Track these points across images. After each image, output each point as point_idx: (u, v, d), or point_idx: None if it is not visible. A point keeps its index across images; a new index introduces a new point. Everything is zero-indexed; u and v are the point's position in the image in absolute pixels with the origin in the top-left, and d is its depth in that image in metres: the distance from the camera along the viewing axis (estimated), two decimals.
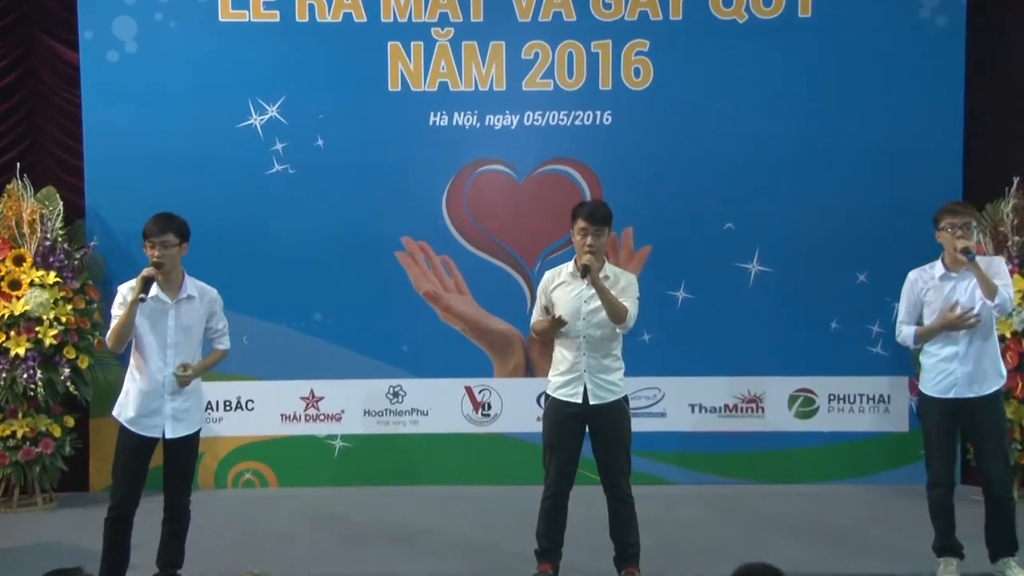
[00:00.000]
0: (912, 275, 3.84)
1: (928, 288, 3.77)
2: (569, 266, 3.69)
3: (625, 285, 3.61)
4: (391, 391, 5.28)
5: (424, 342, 5.24)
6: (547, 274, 3.77)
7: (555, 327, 3.51)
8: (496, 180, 5.28)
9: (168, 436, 3.56)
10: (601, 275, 3.54)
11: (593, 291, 3.53)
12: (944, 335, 3.72)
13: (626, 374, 3.76)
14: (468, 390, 5.30)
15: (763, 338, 5.22)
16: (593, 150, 5.21)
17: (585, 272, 3.44)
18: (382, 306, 5.21)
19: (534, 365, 5.28)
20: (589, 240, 3.51)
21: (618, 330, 3.58)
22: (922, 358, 3.86)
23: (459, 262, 5.27)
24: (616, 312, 3.49)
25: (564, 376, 3.66)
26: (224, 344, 3.78)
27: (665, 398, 5.28)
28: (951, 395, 3.73)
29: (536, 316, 3.79)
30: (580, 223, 3.54)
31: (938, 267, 3.78)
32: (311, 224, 5.18)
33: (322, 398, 5.27)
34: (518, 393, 5.26)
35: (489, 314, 5.27)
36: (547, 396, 3.76)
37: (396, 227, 5.23)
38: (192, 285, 3.65)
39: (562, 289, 3.67)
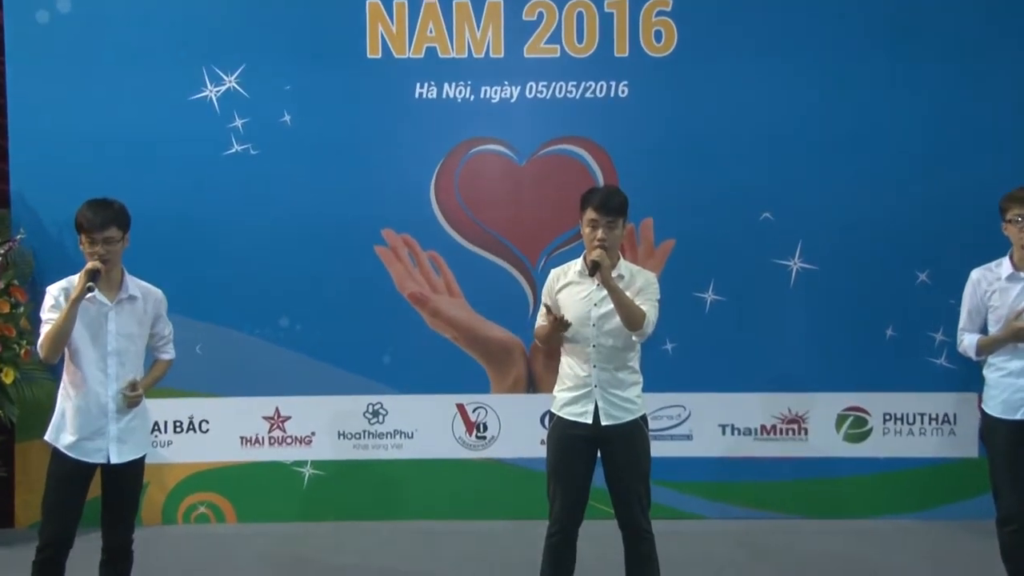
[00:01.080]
0: (975, 275, 3.83)
1: (993, 290, 3.74)
2: (578, 263, 3.70)
3: (643, 285, 3.62)
4: (370, 409, 5.29)
5: (409, 352, 5.23)
6: (552, 273, 3.77)
7: (558, 329, 3.51)
8: (493, 163, 5.26)
9: (114, 461, 3.54)
10: (615, 274, 3.54)
11: (605, 293, 3.54)
12: (1012, 346, 3.70)
13: (645, 389, 3.77)
14: (460, 408, 5.30)
15: (806, 347, 5.24)
16: (607, 127, 5.20)
17: (595, 270, 3.45)
18: (359, 310, 5.20)
19: (538, 379, 5.26)
20: (600, 233, 3.52)
21: (634, 338, 3.59)
22: (985, 372, 3.85)
23: (450, 259, 5.25)
24: (632, 317, 3.49)
25: (572, 392, 3.67)
26: (170, 353, 3.79)
27: (691, 418, 5.28)
28: (1020, 416, 3.71)
29: (540, 322, 3.80)
30: (590, 213, 3.55)
31: (1005, 265, 3.75)
32: (276, 214, 5.17)
33: (289, 418, 5.27)
34: (519, 412, 5.25)
35: (485, 320, 5.26)
36: (552, 415, 3.76)
37: (376, 217, 5.21)
38: (134, 284, 3.64)
39: (569, 290, 3.68)
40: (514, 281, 5.29)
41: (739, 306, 5.23)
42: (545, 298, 3.76)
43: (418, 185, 5.23)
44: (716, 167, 5.18)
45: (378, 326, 5.21)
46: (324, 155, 5.18)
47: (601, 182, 5.12)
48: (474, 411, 5.30)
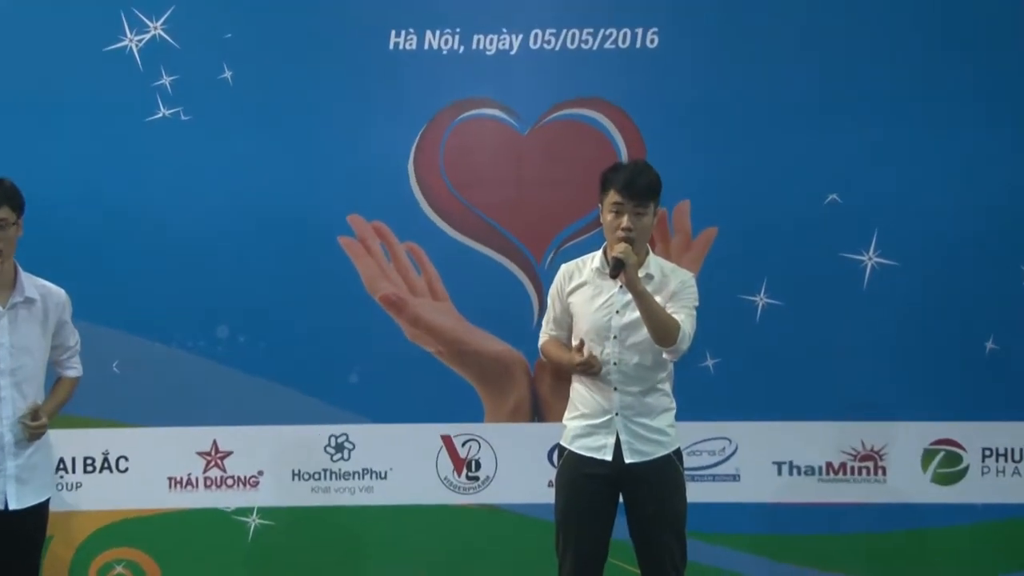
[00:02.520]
0: None
1: None
2: (595, 258, 3.74)
3: (677, 288, 3.65)
4: (333, 443, 5.30)
5: (382, 370, 5.24)
6: (563, 269, 3.83)
7: (581, 368, 3.58)
8: (488, 131, 5.27)
9: (12, 506, 3.55)
10: (642, 273, 3.57)
11: (629, 297, 3.57)
12: None
13: (679, 417, 3.82)
14: (447, 441, 5.33)
15: (884, 364, 5.24)
16: (631, 87, 5.20)
17: (618, 269, 3.48)
18: (319, 317, 5.21)
19: (544, 405, 5.28)
20: (626, 221, 3.55)
21: (665, 355, 3.64)
22: None
23: (433, 252, 5.27)
24: (663, 330, 3.53)
25: (587, 421, 3.72)
26: (76, 369, 3.81)
27: (738, 453, 5.31)
28: None
29: (547, 331, 3.88)
30: (613, 196, 3.58)
31: None
32: (212, 196, 5.19)
33: (230, 453, 5.29)
34: (520, 446, 5.27)
35: (477, 329, 5.27)
36: (562, 450, 3.81)
37: (340, 200, 5.21)
38: (31, 284, 3.65)
39: (584, 293, 3.73)
40: (514, 281, 5.30)
41: (798, 312, 5.24)
42: (553, 302, 3.83)
43: (393, 160, 5.22)
44: (770, 136, 5.19)
45: (343, 337, 5.22)
46: (274, 122, 5.19)
47: (625, 156, 5.10)
48: (464, 444, 5.32)
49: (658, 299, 3.58)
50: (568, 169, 5.19)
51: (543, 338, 3.93)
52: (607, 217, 3.61)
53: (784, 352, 5.25)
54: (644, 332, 3.57)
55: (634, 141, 5.22)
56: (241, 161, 5.19)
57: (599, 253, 3.74)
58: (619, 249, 3.47)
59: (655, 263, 3.71)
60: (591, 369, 3.58)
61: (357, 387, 5.27)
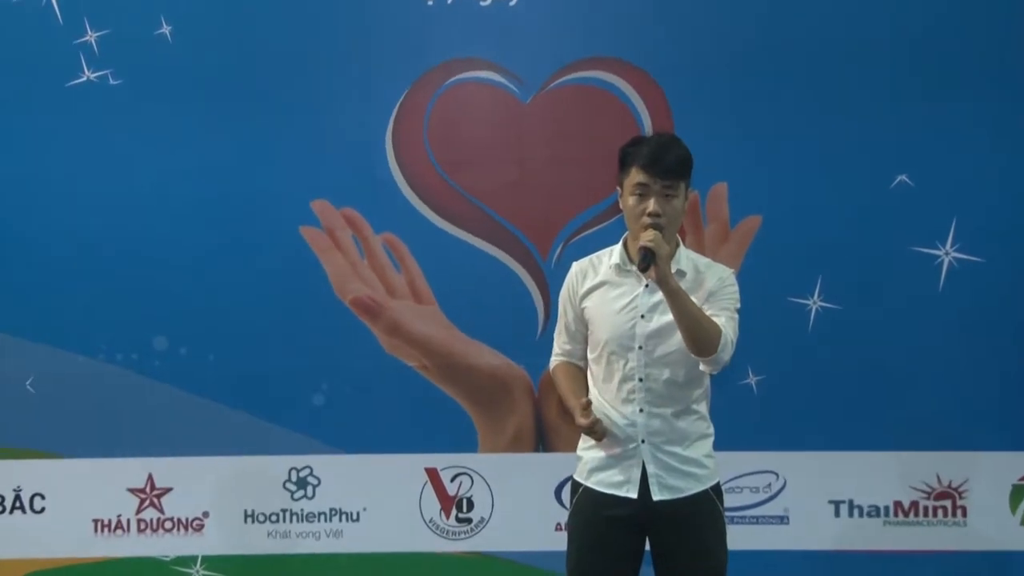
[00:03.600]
0: None
1: None
2: (614, 253, 3.71)
3: (714, 287, 3.63)
4: (294, 477, 5.27)
5: (353, 389, 5.24)
6: (575, 268, 3.79)
7: (585, 423, 3.56)
8: (483, 98, 5.25)
9: None
10: (672, 269, 3.53)
11: (657, 298, 3.55)
12: None
13: (717, 446, 3.77)
14: (432, 475, 5.29)
15: (965, 382, 5.20)
16: (656, 44, 5.19)
17: (648, 261, 3.42)
18: (277, 325, 5.21)
19: (551, 430, 5.25)
20: (652, 205, 3.52)
21: (703, 367, 3.61)
22: None
23: (416, 245, 5.25)
24: (702, 334, 3.49)
25: (607, 450, 3.68)
26: None
27: (787, 490, 5.26)
28: None
29: (559, 350, 3.85)
30: (636, 175, 3.55)
31: None
32: (148, 178, 5.18)
33: (169, 490, 5.26)
34: (522, 481, 5.25)
35: (470, 339, 5.25)
36: (576, 486, 3.77)
37: (303, 183, 5.21)
38: None
39: (603, 295, 3.71)
40: (515, 280, 5.28)
41: (860, 318, 5.19)
42: (565, 307, 3.79)
43: (367, 134, 5.22)
44: (824, 104, 5.17)
45: (306, 349, 5.22)
46: (222, 87, 5.19)
47: (649, 129, 5.09)
48: (453, 479, 5.29)
49: (694, 299, 3.58)
50: (580, 145, 5.18)
51: (553, 361, 3.91)
52: (628, 201, 3.59)
53: (842, 367, 5.22)
54: (676, 340, 3.55)
55: (660, 111, 5.21)
56: (182, 135, 5.18)
57: (618, 247, 3.70)
58: (647, 237, 3.42)
59: (687, 257, 3.68)
60: (592, 435, 3.59)
61: (323, 409, 5.25)
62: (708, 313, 3.55)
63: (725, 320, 3.57)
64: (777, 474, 5.26)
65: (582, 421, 3.56)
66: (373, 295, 5.25)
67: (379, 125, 5.24)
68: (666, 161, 3.54)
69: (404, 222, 5.26)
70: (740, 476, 5.22)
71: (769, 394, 5.22)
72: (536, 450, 5.29)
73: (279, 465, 5.28)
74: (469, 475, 5.32)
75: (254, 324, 5.24)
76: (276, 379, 5.25)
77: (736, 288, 3.69)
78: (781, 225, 5.23)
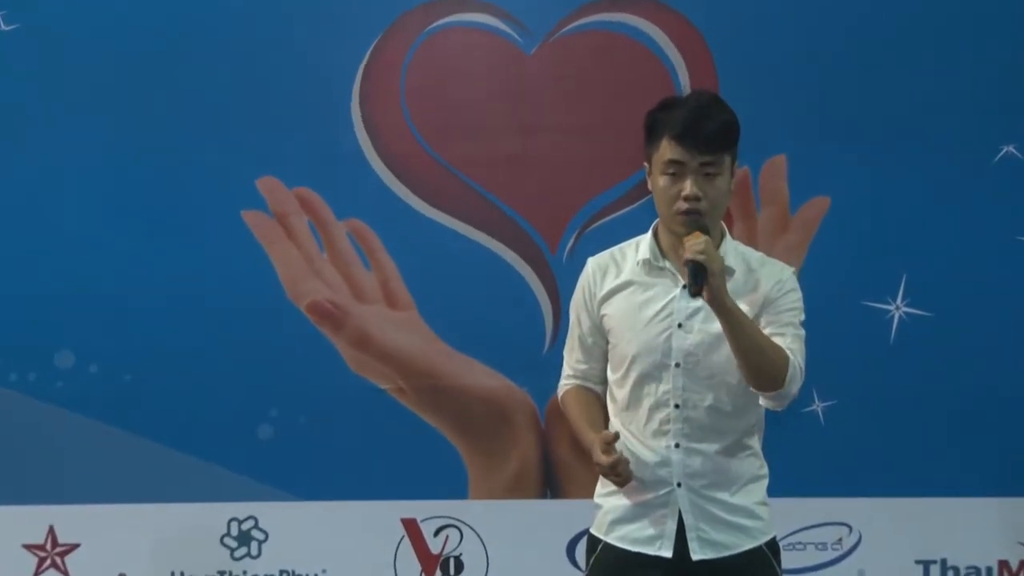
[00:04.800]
0: None
1: None
2: (642, 245, 3.46)
3: (773, 292, 3.40)
4: (235, 530, 4.98)
5: (309, 419, 4.97)
6: (591, 265, 3.53)
7: (607, 462, 3.29)
8: (476, 48, 5.04)
9: None
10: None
11: (697, 304, 3.32)
12: None
13: (773, 491, 3.49)
14: (411, 528, 4.99)
15: None
16: None
17: (700, 280, 3.20)
18: (213, 337, 4.96)
19: (561, 470, 5.01)
20: (688, 187, 3.25)
21: (763, 401, 3.39)
22: None
23: (390, 235, 5.00)
24: (766, 368, 3.29)
25: (633, 497, 3.40)
26: None
27: (863, 546, 4.93)
28: None
29: (570, 371, 3.60)
30: (667, 148, 3.28)
31: None
32: (50, 149, 4.95)
33: (75, 547, 4.96)
34: (525, 536, 4.98)
35: (459, 354, 5.00)
36: (594, 542, 3.50)
37: (245, 155, 4.94)
38: None
39: (627, 299, 3.45)
40: (516, 280, 5.02)
41: (954, 328, 4.92)
42: (579, 315, 3.54)
43: (329, 93, 4.97)
44: (907, 59, 4.93)
45: (250, 368, 4.96)
46: (143, 33, 4.94)
47: (686, 87, 4.88)
48: (438, 533, 4.99)
49: (743, 308, 3.32)
50: (598, 108, 4.97)
51: (563, 386, 3.62)
52: (659, 181, 3.31)
53: (932, 390, 4.94)
54: (723, 355, 3.31)
55: (701, 65, 4.96)
56: (95, 96, 4.95)
57: (647, 237, 3.42)
58: (695, 247, 3.18)
59: (735, 251, 3.42)
60: (614, 478, 3.34)
61: (272, 445, 4.98)
62: (767, 330, 3.35)
63: (790, 341, 3.34)
64: (850, 527, 4.96)
65: (602, 459, 3.30)
66: (335, 298, 5.00)
67: (343, 83, 5.00)
68: (705, 129, 3.26)
69: (375, 205, 5.01)
70: (803, 529, 4.92)
71: (839, 425, 4.94)
72: (543, 496, 5.04)
73: (216, 515, 4.99)
74: (457, 527, 5.02)
75: (183, 336, 4.98)
76: (212, 406, 4.97)
77: (800, 294, 3.43)
78: (855, 209, 4.98)
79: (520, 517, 4.96)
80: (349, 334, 4.95)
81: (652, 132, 3.35)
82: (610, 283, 3.46)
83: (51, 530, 4.92)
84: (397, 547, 4.96)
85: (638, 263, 3.43)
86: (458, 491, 4.98)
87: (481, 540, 4.97)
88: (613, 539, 3.42)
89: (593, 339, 3.52)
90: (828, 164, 4.94)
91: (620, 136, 4.70)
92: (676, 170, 3.28)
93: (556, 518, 4.90)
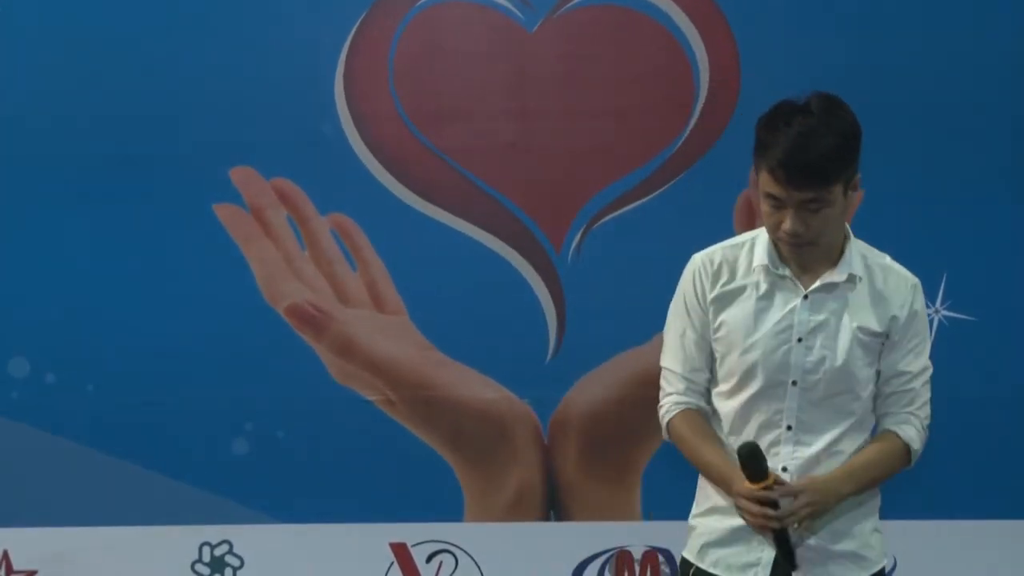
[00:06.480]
0: None
1: None
2: (757, 248, 3.33)
3: (903, 315, 3.28)
4: (207, 555, 4.85)
5: (287, 434, 4.84)
6: (699, 263, 3.38)
7: (753, 519, 3.21)
8: (472, 25, 4.90)
9: None
10: (840, 277, 3.21)
11: (823, 315, 3.22)
12: None
13: None
14: (400, 554, 4.86)
15: None
16: None
17: (790, 559, 3.17)
18: (182, 343, 4.83)
19: (564, 492, 4.88)
20: (789, 223, 3.13)
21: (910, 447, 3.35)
22: None
23: (377, 232, 4.86)
24: (892, 474, 3.34)
25: (728, 520, 3.29)
26: None
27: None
28: None
29: (680, 388, 3.43)
30: (766, 180, 3.14)
31: None
32: (7, 143, 4.81)
33: (32, 574, 4.85)
34: (526, 562, 4.87)
35: (454, 363, 4.86)
36: (686, 567, 3.42)
37: (217, 141, 4.81)
38: None
39: (743, 307, 3.32)
40: (516, 280, 4.87)
41: (998, 332, 4.78)
42: (690, 318, 3.39)
43: (310, 73, 4.82)
44: (949, 41, 4.76)
45: (223, 377, 4.83)
46: (110, 6, 4.80)
47: (704, 66, 4.78)
48: (430, 559, 4.87)
49: (855, 320, 3.20)
50: (606, 90, 4.82)
51: (675, 405, 3.41)
52: (762, 205, 3.21)
53: (974, 399, 4.76)
54: (845, 378, 3.22)
55: (721, 45, 4.78)
56: (48, 78, 4.77)
57: (763, 239, 3.29)
58: (800, 513, 3.12)
59: (858, 256, 3.26)
60: (763, 520, 3.19)
61: (247, 461, 4.85)
62: (895, 373, 3.28)
63: (916, 402, 3.32)
64: (892, 558, 4.71)
65: (751, 504, 3.18)
66: (317, 301, 4.86)
67: (325, 61, 4.83)
68: (807, 164, 3.06)
69: (361, 199, 4.85)
70: None
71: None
72: (545, 519, 4.89)
73: (186, 539, 4.84)
74: (452, 553, 4.90)
75: (149, 342, 4.81)
76: (181, 418, 4.83)
77: (925, 310, 3.37)
78: (890, 203, 4.75)
79: (521, 541, 4.86)
80: (332, 340, 4.83)
81: (756, 147, 3.19)
82: (723, 284, 3.33)
83: (5, 556, 4.82)
84: (386, 575, 4.86)
85: (754, 268, 3.31)
86: (453, 513, 4.87)
87: (478, 567, 4.87)
88: (707, 565, 3.32)
89: (701, 348, 3.40)
90: (862, 154, 4.86)
91: (631, 121, 4.65)
92: (775, 204, 3.14)
93: (560, 543, 4.81)
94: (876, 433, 3.42)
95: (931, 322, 4.66)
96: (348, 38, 4.78)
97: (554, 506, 4.85)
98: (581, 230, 4.79)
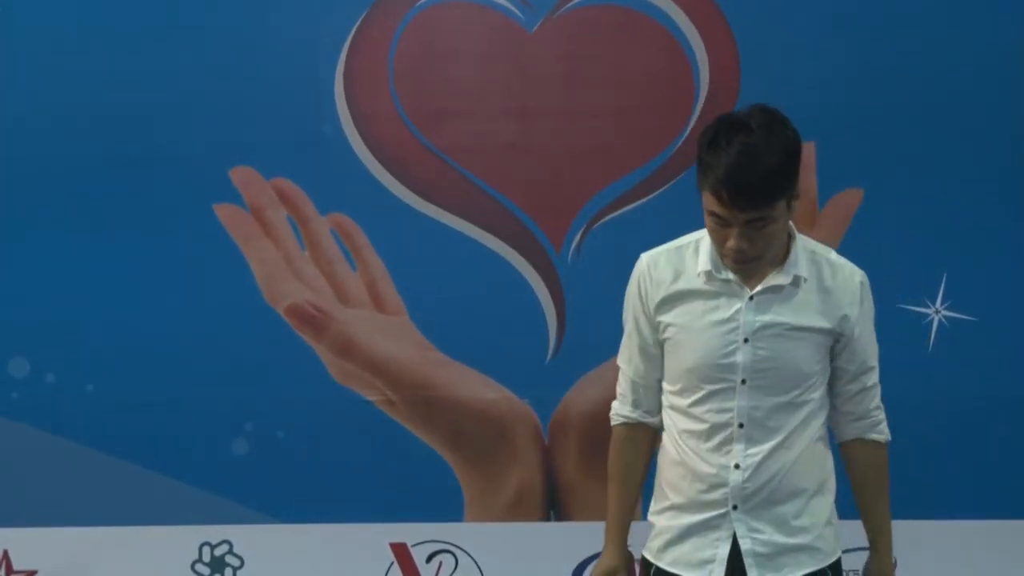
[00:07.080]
0: None
1: None
2: (701, 253, 3.31)
3: (854, 313, 3.28)
4: (207, 555, 4.86)
5: (288, 434, 4.84)
6: (645, 264, 3.38)
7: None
8: (472, 25, 4.91)
9: None
10: (784, 279, 3.20)
11: (769, 317, 3.21)
12: None
13: None
14: (400, 554, 4.87)
15: None
16: None
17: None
18: (182, 343, 4.81)
19: (564, 492, 4.90)
20: (734, 242, 3.15)
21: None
22: None
23: (378, 232, 4.87)
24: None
25: (683, 517, 3.31)
26: None
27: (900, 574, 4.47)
28: None
29: (631, 375, 3.44)
30: (708, 199, 3.18)
31: None
32: (5, 142, 4.81)
33: (32, 574, 4.85)
34: (527, 562, 4.86)
35: (454, 363, 4.86)
36: (646, 567, 3.43)
37: (218, 141, 4.81)
38: None
39: (690, 309, 3.33)
40: (516, 280, 4.88)
41: (999, 332, 4.75)
42: (636, 319, 3.39)
43: (310, 73, 4.82)
44: (948, 39, 4.76)
45: (223, 377, 4.82)
46: (110, 6, 4.81)
47: (704, 67, 4.78)
48: (430, 559, 4.88)
49: (803, 319, 3.19)
50: (606, 90, 4.82)
51: (618, 414, 3.46)
52: (707, 221, 3.23)
53: (974, 400, 4.79)
54: (792, 370, 3.21)
55: (721, 44, 4.79)
56: (48, 77, 4.76)
57: (706, 243, 3.28)
58: None
59: (804, 254, 3.27)
60: None
61: (247, 461, 4.84)
62: (860, 371, 3.29)
63: (877, 380, 3.33)
64: None
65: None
66: (317, 301, 4.86)
67: (325, 61, 4.84)
68: (747, 186, 3.07)
69: (360, 199, 4.85)
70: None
71: None
72: (545, 519, 4.91)
73: (186, 539, 4.84)
74: (452, 553, 4.91)
75: (150, 342, 4.80)
76: (182, 418, 4.81)
77: (872, 302, 3.34)
78: (890, 202, 4.82)
79: (521, 541, 4.86)
80: (332, 340, 4.83)
81: (698, 165, 3.19)
82: (668, 286, 3.32)
83: (5, 555, 4.83)
84: (386, 575, 4.86)
85: (699, 274, 3.29)
86: (453, 513, 4.87)
87: (478, 567, 4.88)
88: (666, 564, 3.33)
89: (652, 350, 3.41)
90: (860, 153, 4.79)
91: (631, 121, 4.64)
92: (720, 222, 3.15)
93: (560, 543, 4.80)
94: (850, 440, 3.39)
95: (931, 322, 4.78)
96: (348, 38, 4.79)
97: (554, 506, 4.87)
98: (581, 230, 4.80)
